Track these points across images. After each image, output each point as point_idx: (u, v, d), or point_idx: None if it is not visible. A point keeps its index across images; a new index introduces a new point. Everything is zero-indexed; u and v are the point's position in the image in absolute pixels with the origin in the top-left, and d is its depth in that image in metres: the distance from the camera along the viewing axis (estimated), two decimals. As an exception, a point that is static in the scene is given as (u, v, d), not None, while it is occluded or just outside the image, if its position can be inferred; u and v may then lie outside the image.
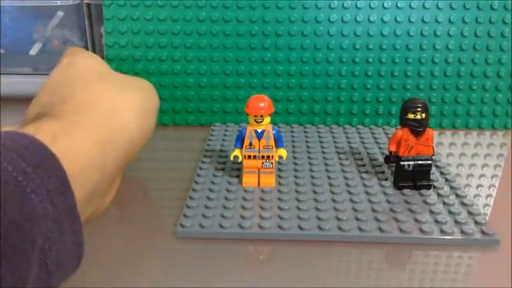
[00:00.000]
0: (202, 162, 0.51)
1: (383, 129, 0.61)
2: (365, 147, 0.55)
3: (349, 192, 0.45)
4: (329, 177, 0.48)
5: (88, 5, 0.67)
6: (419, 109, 0.44)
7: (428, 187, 0.46)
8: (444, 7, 0.60)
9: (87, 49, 0.69)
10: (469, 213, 0.42)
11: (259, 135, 0.45)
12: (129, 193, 0.48)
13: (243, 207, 0.42)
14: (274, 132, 0.46)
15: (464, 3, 0.60)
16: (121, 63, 0.62)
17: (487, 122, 0.63)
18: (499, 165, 0.55)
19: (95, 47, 0.69)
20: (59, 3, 0.66)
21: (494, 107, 0.63)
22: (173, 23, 0.61)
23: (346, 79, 0.62)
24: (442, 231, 0.39)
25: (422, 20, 0.61)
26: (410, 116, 0.44)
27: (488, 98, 0.62)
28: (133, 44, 0.62)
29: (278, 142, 0.46)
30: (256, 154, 0.46)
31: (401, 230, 0.39)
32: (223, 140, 0.57)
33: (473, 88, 0.62)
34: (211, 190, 0.45)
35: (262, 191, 0.45)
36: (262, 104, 0.44)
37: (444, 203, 0.43)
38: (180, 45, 0.62)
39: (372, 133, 0.60)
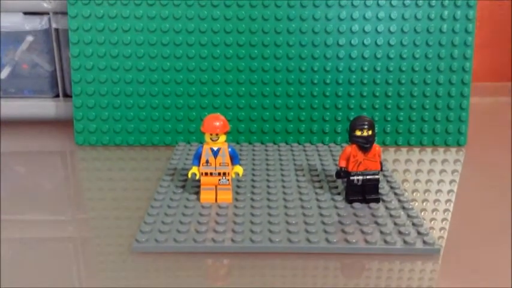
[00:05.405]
0: (164, 180, 0.53)
1: (341, 146, 0.63)
2: (322, 164, 0.58)
3: (302, 207, 0.47)
4: (284, 193, 0.50)
5: (56, 30, 0.69)
6: (365, 126, 0.46)
7: (377, 201, 0.48)
8: (396, 30, 0.64)
9: (55, 72, 0.71)
10: (413, 224, 0.44)
11: (215, 153, 0.47)
12: (92, 212, 0.50)
13: (198, 222, 0.44)
14: (229, 149, 0.47)
15: (414, 27, 0.64)
16: (87, 85, 0.64)
17: (440, 139, 0.66)
18: (454, 180, 0.58)
19: (63, 71, 0.71)
20: (27, 28, 0.68)
21: (447, 125, 0.66)
22: (138, 47, 0.64)
23: (305, 99, 0.65)
24: (386, 241, 0.41)
25: (376, 44, 0.64)
26: (358, 133, 0.46)
27: (441, 117, 0.65)
28: (99, 67, 0.64)
29: (234, 159, 0.48)
30: (213, 171, 0.47)
31: (347, 241, 0.41)
32: (186, 159, 0.59)
33: (426, 107, 0.65)
34: (169, 206, 0.47)
35: (219, 206, 0.47)
36: (217, 123, 0.47)
37: (390, 216, 0.45)
38: (145, 67, 0.64)
39: (330, 151, 0.62)
